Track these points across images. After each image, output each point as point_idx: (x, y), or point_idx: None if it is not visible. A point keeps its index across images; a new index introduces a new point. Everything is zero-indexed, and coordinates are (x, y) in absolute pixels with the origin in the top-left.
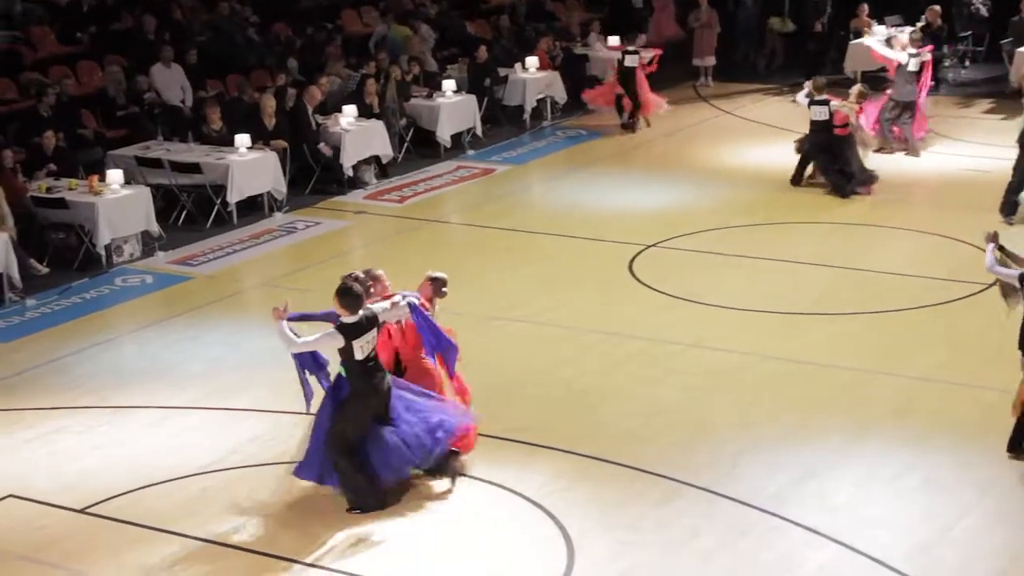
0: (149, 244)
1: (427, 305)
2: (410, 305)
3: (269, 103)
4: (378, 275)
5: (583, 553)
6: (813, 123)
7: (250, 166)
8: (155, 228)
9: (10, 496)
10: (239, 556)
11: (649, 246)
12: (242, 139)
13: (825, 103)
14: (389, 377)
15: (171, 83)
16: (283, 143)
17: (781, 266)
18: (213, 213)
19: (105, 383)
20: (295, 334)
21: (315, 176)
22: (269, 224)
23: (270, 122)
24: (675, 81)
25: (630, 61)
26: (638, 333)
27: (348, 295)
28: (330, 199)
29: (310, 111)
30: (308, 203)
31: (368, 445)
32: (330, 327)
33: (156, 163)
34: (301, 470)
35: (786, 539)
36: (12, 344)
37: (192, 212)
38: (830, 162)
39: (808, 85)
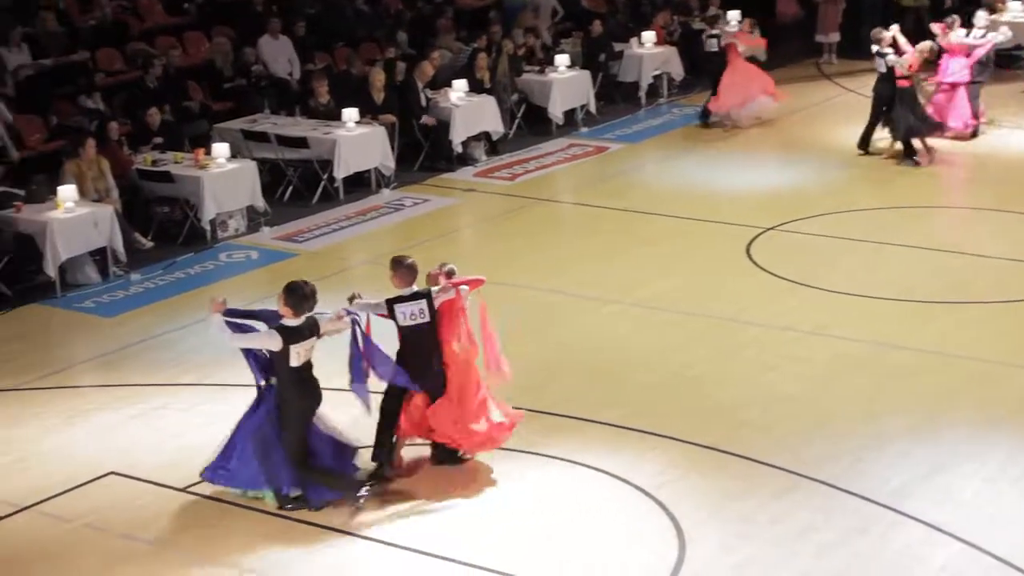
0: (254, 219)
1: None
2: (354, 322)
3: (378, 77)
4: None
5: (695, 546)
6: (879, 74)
7: (358, 141)
8: (261, 203)
9: (112, 473)
10: (338, 538)
11: (768, 229)
12: (350, 113)
13: (883, 56)
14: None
15: (279, 55)
16: (391, 118)
17: (906, 251)
18: (319, 189)
19: (208, 360)
20: (238, 329)
21: (424, 152)
22: (376, 201)
23: (379, 96)
24: (797, 58)
25: (708, 45)
26: (755, 319)
27: (294, 293)
28: (439, 176)
29: (420, 86)
30: (416, 180)
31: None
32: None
33: (263, 137)
34: (210, 475)
35: (908, 535)
36: (116, 319)
37: (298, 187)
38: (897, 114)
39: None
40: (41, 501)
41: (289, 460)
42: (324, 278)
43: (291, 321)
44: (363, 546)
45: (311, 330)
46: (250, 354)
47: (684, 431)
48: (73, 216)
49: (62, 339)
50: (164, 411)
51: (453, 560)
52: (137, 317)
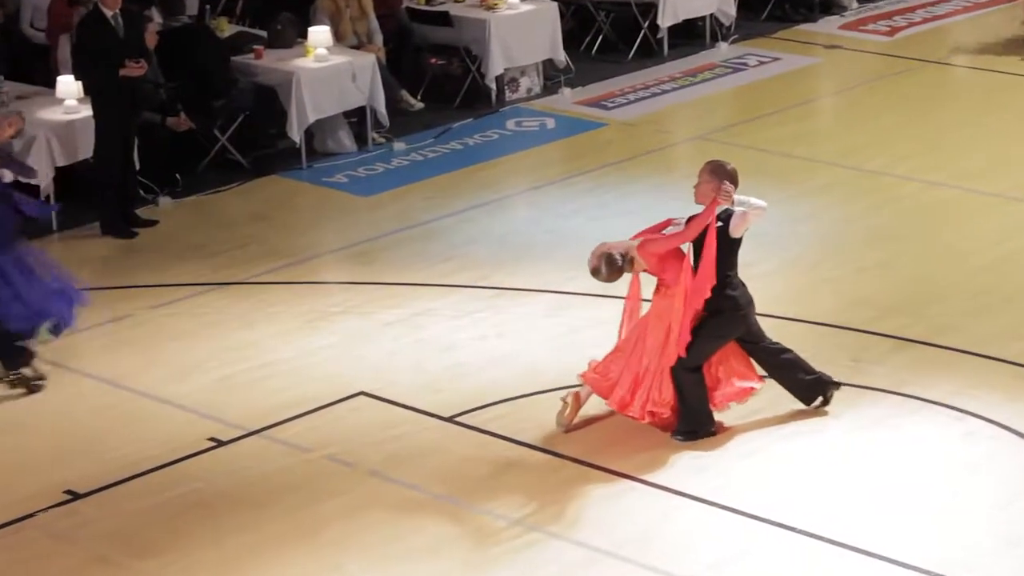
0: (553, 77)
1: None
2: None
3: None
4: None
5: None
6: None
7: None
8: (561, 57)
9: (362, 394)
10: (680, 501)
11: None
12: None
13: None
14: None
15: None
16: None
17: None
18: (638, 40)
19: (487, 256)
20: None
21: None
22: (710, 57)
23: None
24: None
25: None
26: None
27: None
28: (793, 28)
29: None
30: (764, 31)
31: None
32: None
33: None
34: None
35: None
36: (373, 199)
37: (610, 38)
38: None
39: None
40: (274, 424)
41: None
42: (638, 157)
43: None
44: (701, 510)
45: None
46: None
47: None
48: (326, 66)
49: (305, 222)
50: (428, 318)
51: (810, 535)
52: (399, 198)
